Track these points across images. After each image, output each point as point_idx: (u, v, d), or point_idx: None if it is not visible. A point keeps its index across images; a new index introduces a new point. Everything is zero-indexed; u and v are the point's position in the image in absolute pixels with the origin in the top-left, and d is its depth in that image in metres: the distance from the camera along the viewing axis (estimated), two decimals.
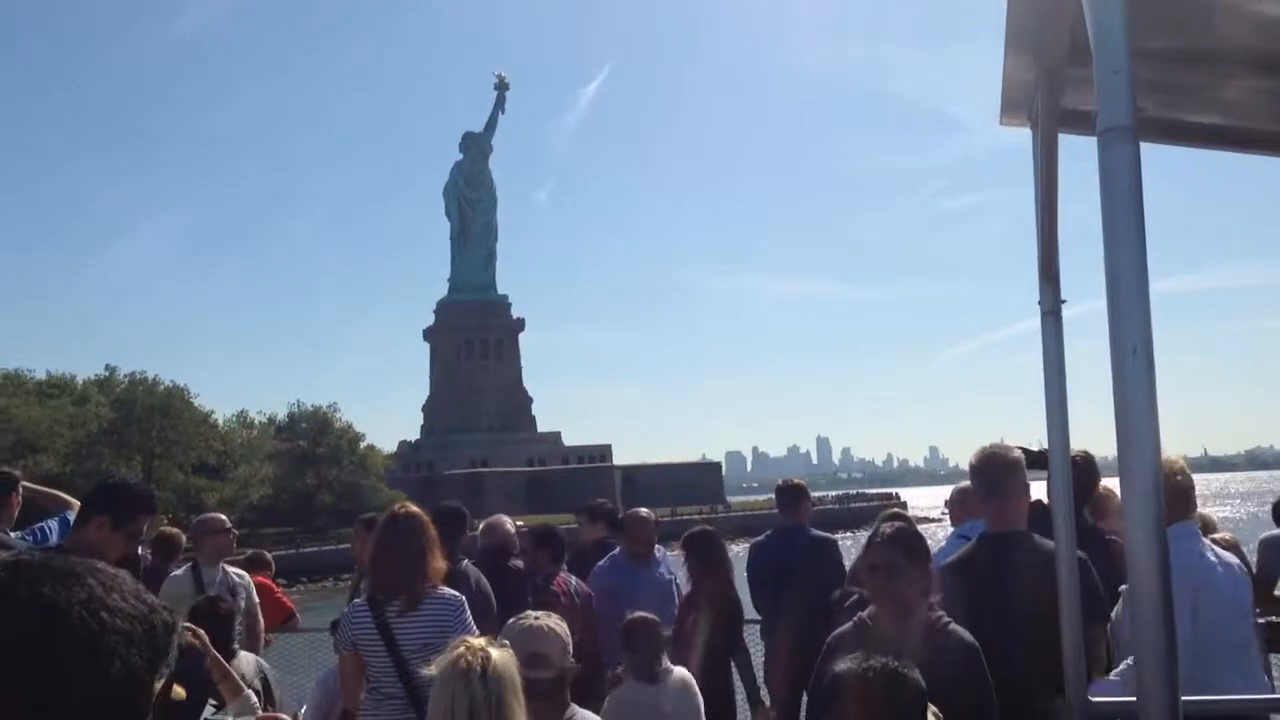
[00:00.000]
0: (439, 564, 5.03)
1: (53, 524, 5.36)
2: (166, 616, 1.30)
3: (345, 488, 75.02)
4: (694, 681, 5.39)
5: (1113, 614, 4.49)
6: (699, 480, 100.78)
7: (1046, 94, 2.85)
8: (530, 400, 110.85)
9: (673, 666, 5.38)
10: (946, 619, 3.90)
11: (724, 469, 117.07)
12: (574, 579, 7.13)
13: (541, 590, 6.79)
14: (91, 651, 1.20)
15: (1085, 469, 5.40)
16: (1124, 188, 1.81)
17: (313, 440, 77.36)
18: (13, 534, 5.17)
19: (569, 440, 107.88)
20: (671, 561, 8.04)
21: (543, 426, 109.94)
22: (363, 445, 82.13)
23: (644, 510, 8.11)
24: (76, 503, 5.19)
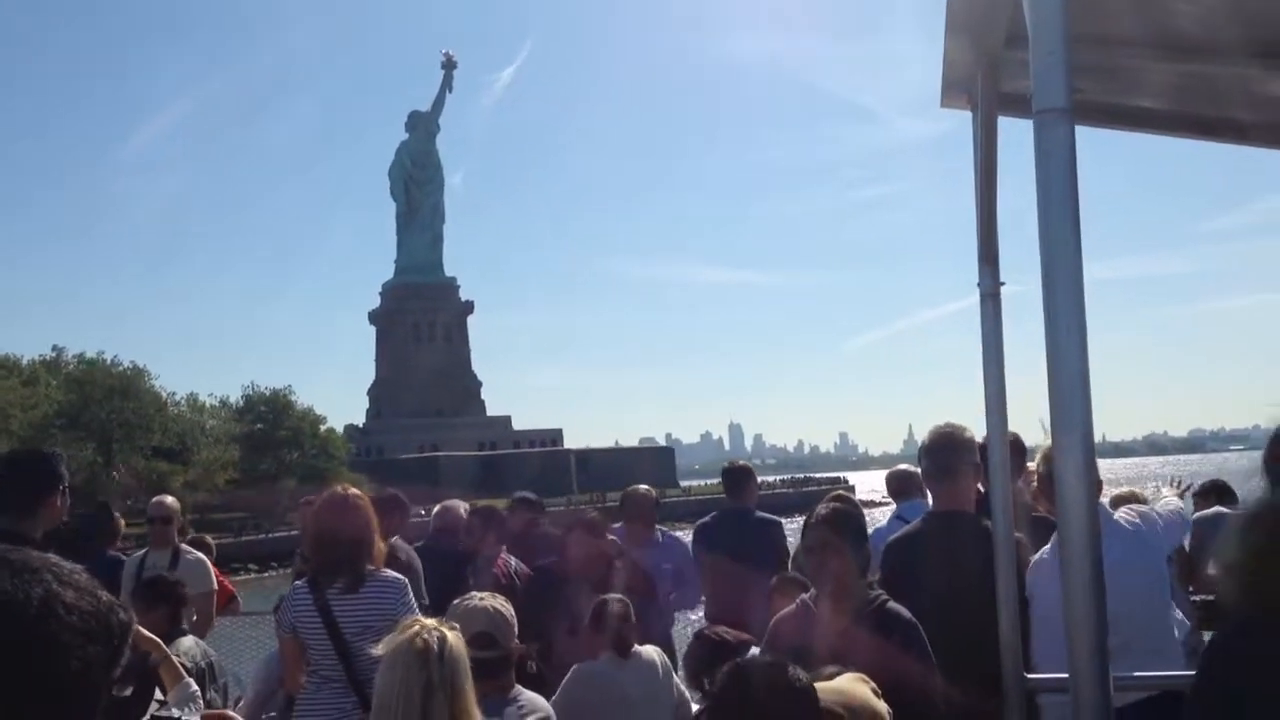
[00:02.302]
0: (381, 546, 4.99)
1: None
2: (122, 615, 1.28)
3: (308, 471, 72.98)
4: (667, 662, 5.33)
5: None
6: (652, 464, 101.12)
7: (986, 77, 2.89)
8: (480, 384, 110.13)
9: (641, 647, 5.28)
10: (885, 597, 3.95)
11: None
12: (514, 560, 7.12)
13: (481, 571, 6.76)
14: (48, 649, 1.18)
15: (1013, 450, 5.47)
16: (1059, 168, 1.83)
17: (272, 423, 75.91)
18: None
19: (518, 425, 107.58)
20: (675, 544, 7.96)
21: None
22: (323, 428, 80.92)
23: (643, 487, 8.06)
24: None
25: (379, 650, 3.20)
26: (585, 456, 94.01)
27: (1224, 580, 2.52)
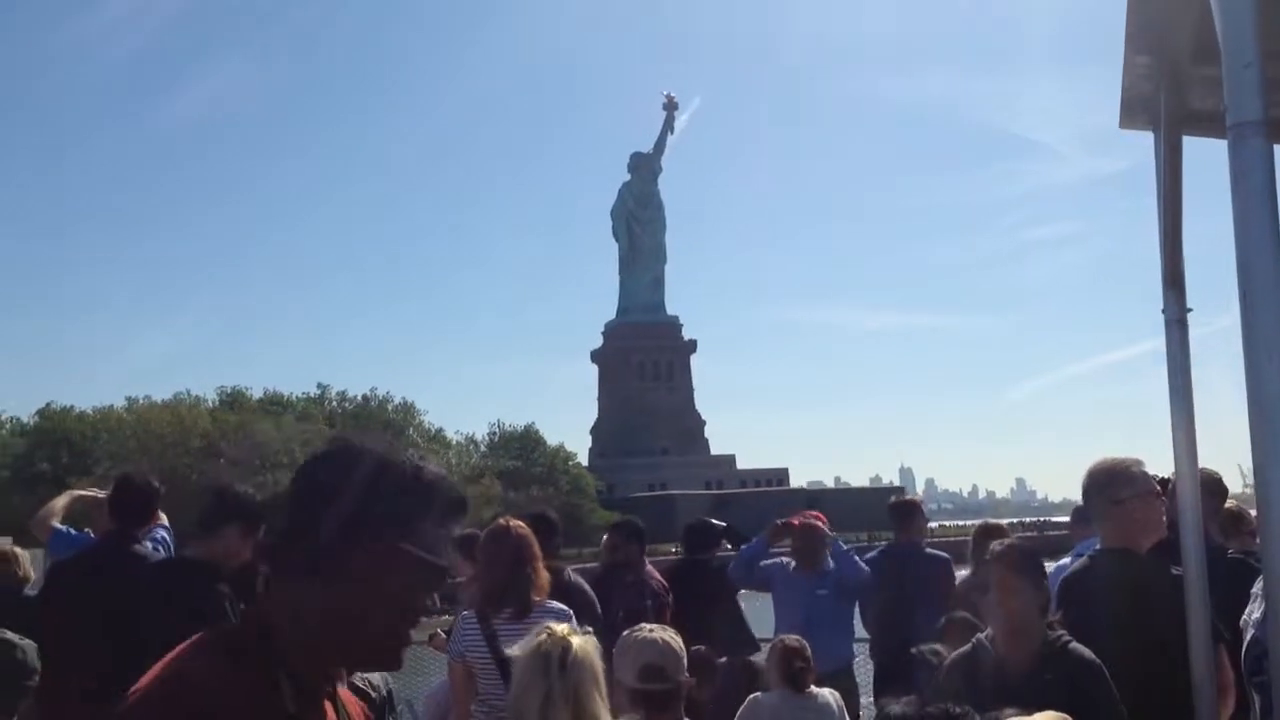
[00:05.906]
0: (545, 575, 5.07)
1: (167, 536, 5.61)
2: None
3: (564, 509, 71.30)
4: (843, 705, 5.32)
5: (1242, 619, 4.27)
6: (880, 503, 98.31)
7: (1170, 94, 2.76)
8: (703, 423, 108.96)
9: (819, 689, 5.29)
10: (1067, 637, 3.77)
11: None
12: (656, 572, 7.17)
13: (622, 587, 6.79)
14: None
15: (1207, 487, 5.18)
16: (1256, 184, 1.74)
17: (526, 459, 75.38)
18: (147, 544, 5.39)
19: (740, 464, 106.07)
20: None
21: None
22: (571, 464, 79.85)
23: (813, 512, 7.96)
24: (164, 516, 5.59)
25: (514, 651, 3.30)
26: (815, 496, 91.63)
27: None
